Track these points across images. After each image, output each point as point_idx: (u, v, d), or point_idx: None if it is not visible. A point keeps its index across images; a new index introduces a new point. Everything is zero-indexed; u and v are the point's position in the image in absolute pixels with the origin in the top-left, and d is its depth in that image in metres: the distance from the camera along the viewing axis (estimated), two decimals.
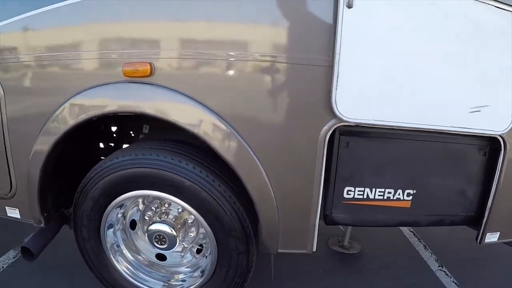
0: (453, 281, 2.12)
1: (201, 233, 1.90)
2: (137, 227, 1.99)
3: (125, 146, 2.50)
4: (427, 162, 1.61)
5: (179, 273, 1.94)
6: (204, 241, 1.91)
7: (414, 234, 2.57)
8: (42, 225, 1.92)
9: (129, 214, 1.94)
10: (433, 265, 2.26)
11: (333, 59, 1.42)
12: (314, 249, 1.65)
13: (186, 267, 1.93)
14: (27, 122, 1.78)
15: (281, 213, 1.60)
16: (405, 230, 2.60)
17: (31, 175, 1.81)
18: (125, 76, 1.56)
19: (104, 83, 1.61)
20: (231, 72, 1.51)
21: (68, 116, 1.67)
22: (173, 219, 1.86)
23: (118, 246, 1.93)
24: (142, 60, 1.54)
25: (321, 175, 1.55)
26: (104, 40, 1.59)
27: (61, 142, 1.72)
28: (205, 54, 1.50)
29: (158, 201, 1.87)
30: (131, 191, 1.75)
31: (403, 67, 1.44)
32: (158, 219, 1.87)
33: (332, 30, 1.42)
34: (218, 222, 1.68)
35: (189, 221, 1.88)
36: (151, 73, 1.53)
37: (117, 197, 1.77)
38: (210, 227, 1.70)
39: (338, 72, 1.44)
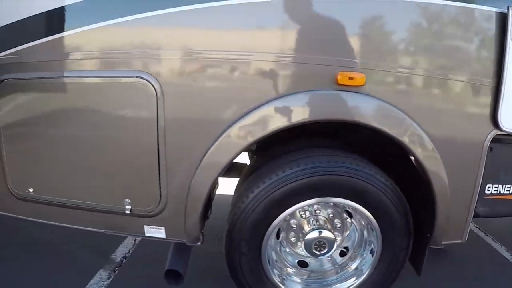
0: None
1: (345, 236, 1.83)
2: (281, 236, 1.79)
3: None
4: None
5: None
6: (347, 244, 1.84)
7: (480, 229, 2.78)
8: (199, 243, 1.57)
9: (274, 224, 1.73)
10: (506, 255, 2.46)
11: (499, 81, 1.55)
12: (466, 239, 1.77)
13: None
14: (195, 128, 1.45)
15: (451, 209, 1.66)
16: (471, 226, 2.83)
17: (198, 189, 1.48)
18: (338, 84, 1.42)
19: (308, 89, 1.42)
20: (432, 89, 1.53)
21: (263, 124, 1.42)
22: (325, 224, 1.75)
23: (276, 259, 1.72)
24: (357, 70, 1.43)
25: (481, 175, 1.67)
26: (316, 46, 1.41)
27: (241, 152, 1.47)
28: (412, 70, 1.49)
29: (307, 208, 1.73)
30: (307, 200, 1.59)
31: None
32: (312, 226, 1.72)
33: (497, 57, 1.54)
34: (390, 223, 1.64)
35: (338, 226, 1.79)
36: (365, 83, 1.44)
37: (289, 207, 1.58)
38: (380, 227, 1.65)
39: (503, 92, 1.57)
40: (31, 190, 1.66)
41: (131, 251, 2.17)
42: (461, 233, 1.74)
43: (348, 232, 1.82)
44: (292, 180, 1.52)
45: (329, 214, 1.75)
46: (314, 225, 1.72)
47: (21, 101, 1.63)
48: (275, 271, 1.71)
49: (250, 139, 1.42)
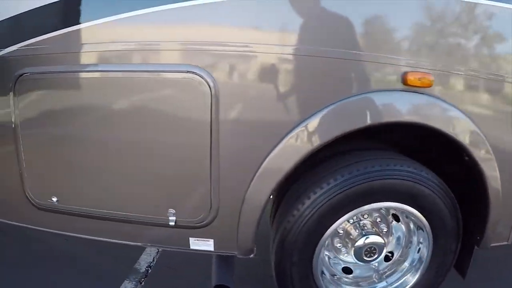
0: None
1: (390, 240, 1.71)
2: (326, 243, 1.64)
3: None
4: None
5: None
6: (392, 248, 1.72)
7: None
8: (252, 255, 1.39)
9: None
10: None
11: None
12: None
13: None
14: (254, 130, 1.27)
15: (501, 211, 1.58)
16: None
17: (255, 197, 1.30)
18: (406, 84, 1.28)
19: (376, 90, 1.27)
20: (496, 93, 1.43)
21: (330, 126, 1.26)
22: (373, 229, 1.62)
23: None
24: (426, 71, 1.29)
25: None
26: (385, 45, 1.27)
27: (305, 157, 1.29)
28: (479, 74, 1.37)
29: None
30: (364, 205, 1.45)
31: None
32: (362, 231, 1.59)
33: None
34: (442, 226, 1.54)
35: (384, 230, 1.66)
36: (432, 85, 1.31)
37: (345, 214, 1.44)
38: (432, 230, 1.55)
39: None
40: (54, 199, 1.42)
41: (155, 260, 1.96)
42: (507, 234, 1.67)
43: (392, 236, 1.71)
44: (352, 185, 1.38)
45: (376, 219, 1.63)
46: (363, 230, 1.59)
47: (43, 98, 1.38)
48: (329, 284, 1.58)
49: (316, 143, 1.26)
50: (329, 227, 1.44)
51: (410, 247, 1.67)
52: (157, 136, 1.29)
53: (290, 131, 1.24)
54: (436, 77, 1.33)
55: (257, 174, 1.27)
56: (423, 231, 1.59)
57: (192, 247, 1.37)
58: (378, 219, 1.63)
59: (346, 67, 1.26)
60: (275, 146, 1.25)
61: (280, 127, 1.25)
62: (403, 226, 1.67)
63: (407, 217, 1.61)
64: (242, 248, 1.37)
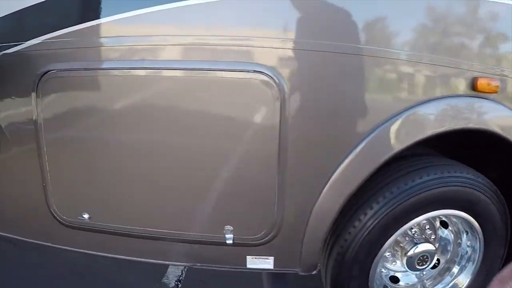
0: None
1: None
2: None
3: None
4: None
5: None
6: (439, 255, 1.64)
7: None
8: (314, 272, 1.24)
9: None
10: None
11: None
12: None
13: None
14: (326, 138, 1.12)
15: None
16: None
17: (324, 211, 1.15)
18: (475, 90, 1.18)
19: (447, 95, 1.16)
20: None
21: (407, 132, 1.14)
22: (423, 236, 1.52)
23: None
24: (493, 76, 1.20)
25: None
26: (459, 49, 1.17)
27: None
28: None
29: None
30: (424, 214, 1.35)
31: None
32: (414, 239, 1.48)
33: None
34: (494, 232, 1.48)
35: (432, 237, 1.58)
36: (497, 91, 1.22)
37: (406, 223, 1.33)
38: (485, 237, 1.48)
39: None
40: (86, 216, 1.20)
41: (184, 273, 1.77)
42: None
43: (439, 242, 1.63)
44: (414, 194, 1.27)
45: (424, 226, 1.54)
46: (414, 238, 1.50)
47: (72, 99, 1.16)
48: None
49: (392, 150, 1.13)
50: (389, 237, 1.33)
51: (459, 247, 1.58)
52: (214, 143, 1.10)
53: (365, 137, 1.11)
54: (500, 83, 1.25)
55: (328, 184, 1.13)
56: (471, 234, 1.53)
57: (249, 265, 1.20)
58: (427, 226, 1.55)
59: (417, 72, 1.14)
60: (348, 154, 1.11)
61: (355, 133, 1.11)
62: (451, 232, 1.60)
63: (456, 222, 1.54)
64: (305, 265, 1.22)
